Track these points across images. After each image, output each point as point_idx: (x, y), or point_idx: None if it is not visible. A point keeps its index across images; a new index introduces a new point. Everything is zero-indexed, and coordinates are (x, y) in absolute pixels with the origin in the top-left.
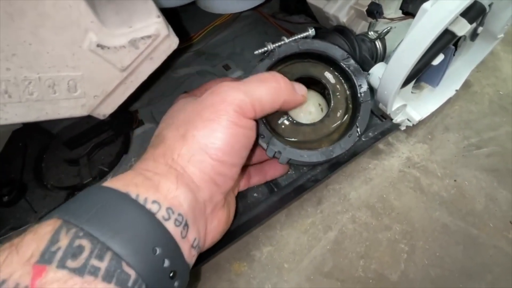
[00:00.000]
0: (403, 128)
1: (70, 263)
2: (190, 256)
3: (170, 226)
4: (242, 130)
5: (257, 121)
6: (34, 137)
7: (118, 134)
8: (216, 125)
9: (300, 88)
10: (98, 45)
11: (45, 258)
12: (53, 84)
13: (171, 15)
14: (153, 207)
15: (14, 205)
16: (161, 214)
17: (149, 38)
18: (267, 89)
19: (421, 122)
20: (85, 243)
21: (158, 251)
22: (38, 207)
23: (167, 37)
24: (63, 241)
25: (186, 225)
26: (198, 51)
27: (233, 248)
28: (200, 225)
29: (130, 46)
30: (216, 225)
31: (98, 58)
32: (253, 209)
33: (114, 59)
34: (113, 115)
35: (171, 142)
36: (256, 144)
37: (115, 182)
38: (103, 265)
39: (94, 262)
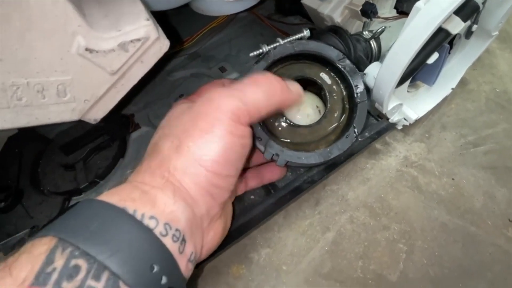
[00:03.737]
0: (400, 127)
1: (66, 285)
2: (187, 270)
3: (167, 242)
4: (238, 140)
5: (252, 126)
6: (30, 142)
7: (114, 138)
8: (211, 136)
9: (295, 86)
10: (86, 49)
11: (40, 280)
12: (42, 89)
13: (165, 18)
14: (150, 223)
15: (10, 211)
16: (158, 230)
17: (138, 41)
18: (262, 92)
19: (418, 121)
20: (82, 262)
21: (155, 268)
22: (35, 213)
23: (157, 39)
24: (59, 261)
25: (184, 240)
26: (194, 54)
27: (231, 250)
28: (197, 239)
29: (120, 49)
30: (212, 236)
31: (87, 62)
32: (250, 211)
33: (104, 62)
34: (109, 119)
35: (166, 154)
36: (253, 149)
37: (111, 196)
38: (100, 285)
39: (91, 282)
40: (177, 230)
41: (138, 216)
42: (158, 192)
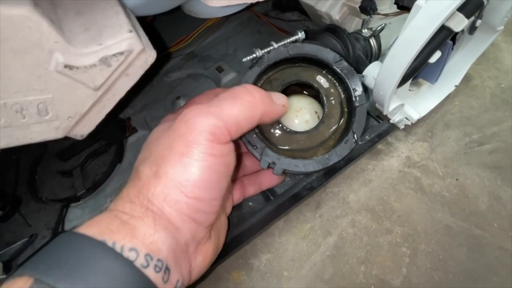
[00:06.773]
0: (401, 127)
1: None
2: None
3: (150, 273)
4: (218, 160)
5: (235, 141)
6: (27, 149)
7: (111, 143)
8: (188, 159)
9: (279, 98)
10: (66, 66)
11: None
12: (21, 109)
13: (159, 19)
14: (130, 255)
15: (8, 219)
16: (139, 262)
17: (121, 54)
18: (242, 106)
19: (420, 120)
20: None
21: None
22: (33, 221)
23: (142, 51)
24: None
25: (167, 269)
26: (190, 54)
27: (231, 256)
28: (183, 266)
29: (102, 64)
30: (201, 260)
31: (67, 79)
32: (248, 219)
33: (85, 78)
34: (105, 124)
35: (145, 181)
36: (240, 161)
37: (91, 227)
38: None
39: None
40: (159, 260)
41: (117, 248)
42: (138, 222)
